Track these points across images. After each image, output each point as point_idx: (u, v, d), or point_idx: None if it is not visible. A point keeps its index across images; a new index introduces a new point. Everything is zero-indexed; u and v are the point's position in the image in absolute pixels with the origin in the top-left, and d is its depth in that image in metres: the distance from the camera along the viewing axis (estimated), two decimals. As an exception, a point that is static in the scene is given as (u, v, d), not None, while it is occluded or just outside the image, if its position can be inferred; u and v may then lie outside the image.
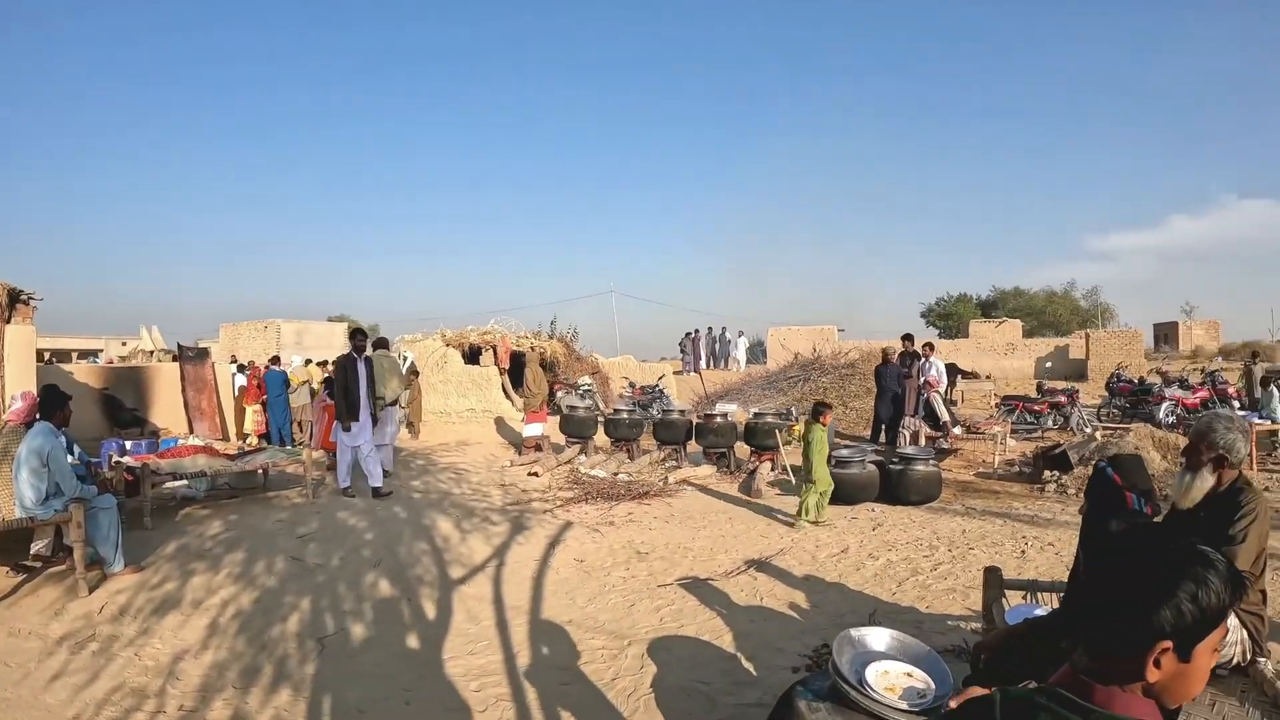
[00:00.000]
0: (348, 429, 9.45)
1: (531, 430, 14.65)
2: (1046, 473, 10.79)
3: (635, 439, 13.37)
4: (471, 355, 19.53)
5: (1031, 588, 4.11)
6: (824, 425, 8.63)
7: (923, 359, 13.87)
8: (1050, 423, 15.73)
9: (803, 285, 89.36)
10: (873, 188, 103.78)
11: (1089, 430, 15.01)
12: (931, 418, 12.43)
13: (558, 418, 14.07)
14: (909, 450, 9.83)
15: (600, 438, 13.76)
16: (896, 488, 9.28)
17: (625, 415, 13.44)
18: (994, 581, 3.95)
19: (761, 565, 6.85)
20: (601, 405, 19.51)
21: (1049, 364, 27.24)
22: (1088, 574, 1.38)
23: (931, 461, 9.48)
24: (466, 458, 13.20)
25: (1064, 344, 31.53)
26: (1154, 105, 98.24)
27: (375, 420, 9.78)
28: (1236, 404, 16.63)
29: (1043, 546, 7.25)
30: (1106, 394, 18.35)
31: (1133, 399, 17.29)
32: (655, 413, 15.45)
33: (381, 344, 10.90)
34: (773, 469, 11.66)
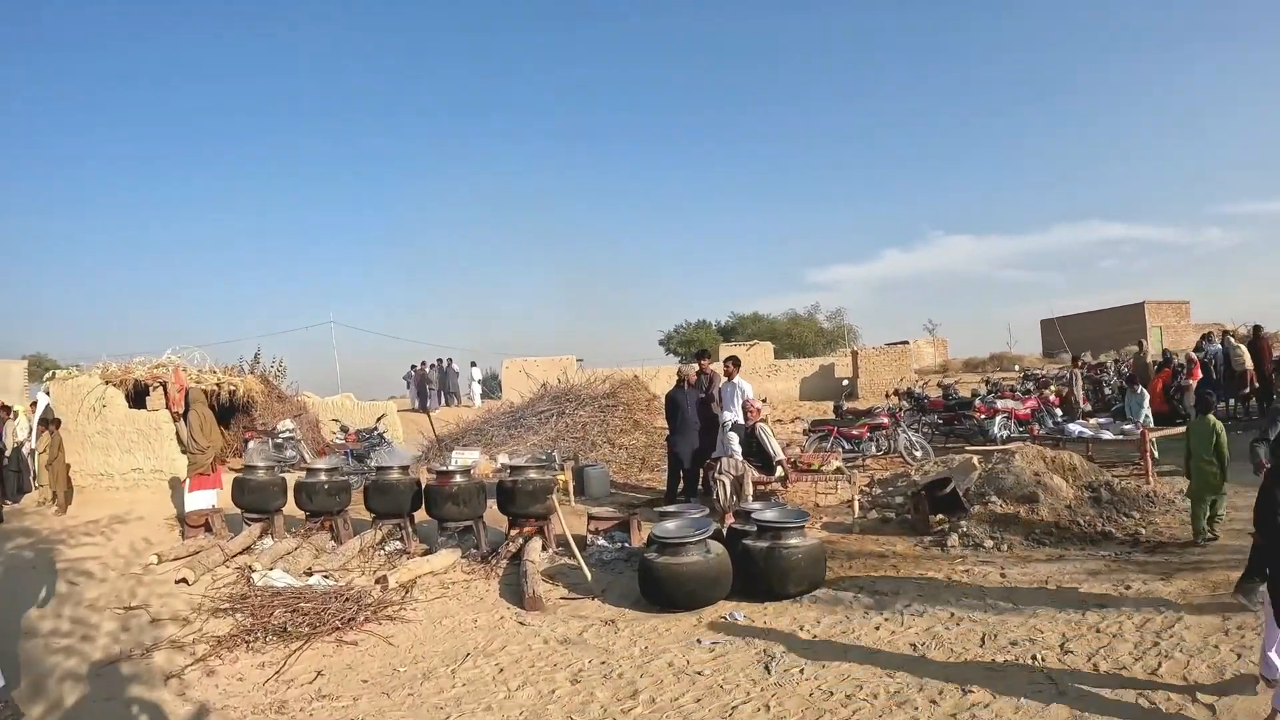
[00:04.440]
0: None
1: (197, 502, 10.36)
2: (934, 519, 8.14)
3: (342, 510, 9.43)
4: (139, 397, 14.60)
5: None
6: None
7: (725, 379, 10.95)
8: (874, 448, 13.36)
9: (532, 317, 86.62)
10: (598, 220, 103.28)
11: (919, 455, 12.75)
12: (760, 455, 9.46)
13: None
14: (766, 513, 6.64)
15: (293, 508, 9.65)
16: (764, 575, 6.12)
17: (324, 476, 9.44)
18: None
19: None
20: (308, 457, 15.27)
21: (845, 381, 25.67)
22: None
23: (803, 528, 6.39)
24: (105, 548, 8.83)
25: (828, 363, 30.50)
26: (864, 146, 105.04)
27: None
28: (1059, 412, 15.19)
29: (1064, 652, 4.38)
30: (903, 411, 16.17)
31: (948, 414, 15.39)
32: (371, 468, 11.56)
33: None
34: (544, 547, 8.21)
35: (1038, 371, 22.72)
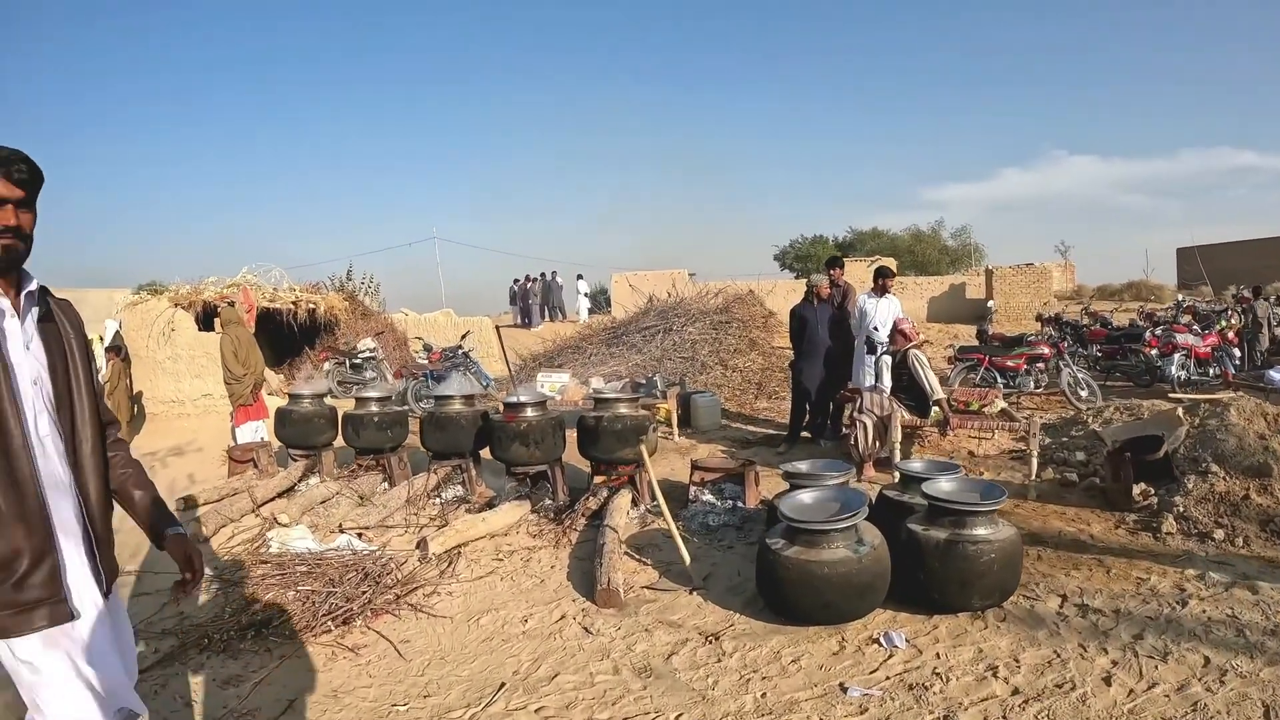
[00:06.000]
0: None
1: (245, 436, 9.07)
2: (1138, 489, 5.99)
3: (396, 446, 7.86)
4: (208, 319, 13.54)
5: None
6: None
7: (872, 295, 8.86)
8: (1033, 384, 11.09)
9: (644, 230, 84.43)
10: (712, 132, 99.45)
11: (1084, 394, 10.43)
12: (911, 391, 7.42)
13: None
14: (941, 484, 4.58)
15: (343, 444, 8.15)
16: (938, 579, 4.12)
17: (374, 407, 7.85)
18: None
19: None
20: (389, 378, 13.94)
21: (990, 304, 22.75)
22: None
23: (996, 512, 4.34)
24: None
25: (958, 282, 27.60)
26: (989, 61, 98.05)
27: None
28: (1237, 351, 12.58)
29: None
30: (1051, 338, 13.62)
31: (1109, 347, 12.86)
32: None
33: None
34: (635, 503, 6.43)
35: (1198, 303, 19.02)
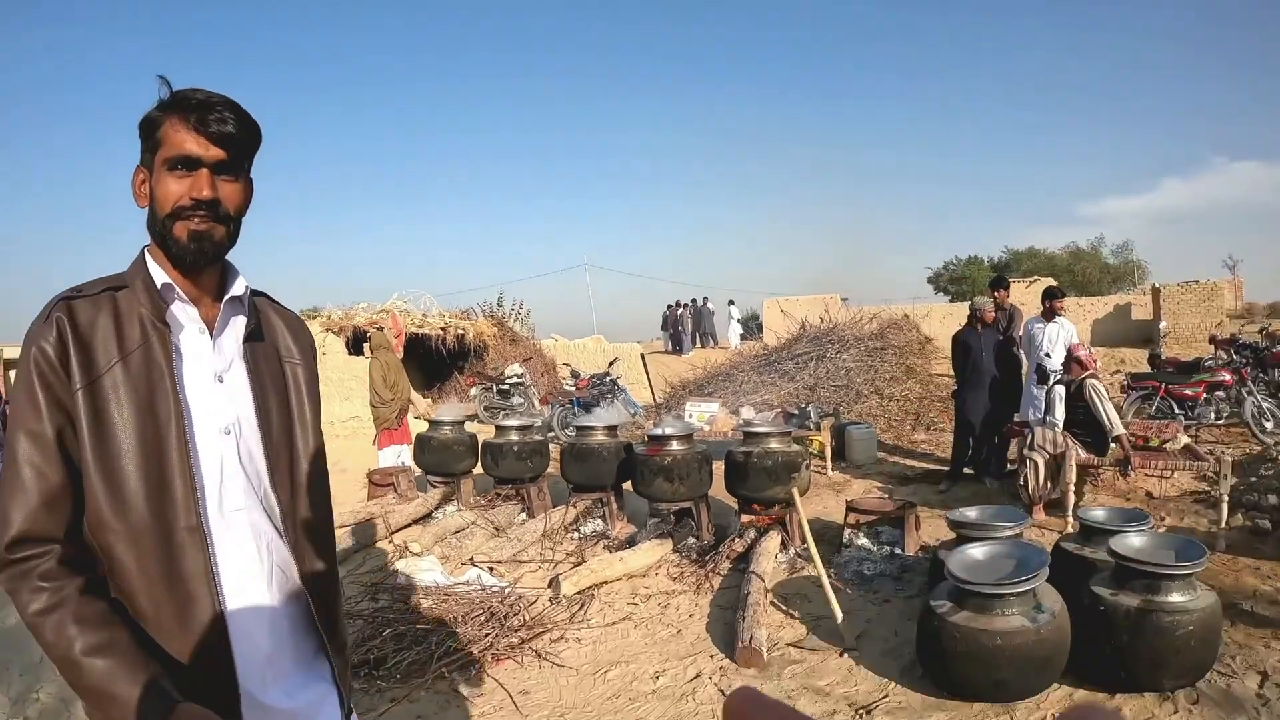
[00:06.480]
0: None
1: (386, 460, 9.04)
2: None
3: (536, 476, 7.59)
4: (357, 343, 13.89)
5: None
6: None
7: (1041, 319, 8.07)
8: (1213, 415, 9.88)
9: (794, 253, 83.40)
10: (859, 153, 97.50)
11: (1269, 426, 9.16)
12: (1087, 425, 6.59)
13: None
14: (1131, 540, 3.79)
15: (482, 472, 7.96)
16: (1127, 654, 3.40)
17: (514, 435, 7.60)
18: None
19: None
20: (535, 404, 13.86)
21: (1162, 325, 20.93)
22: None
23: (1194, 576, 3.60)
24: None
25: (1123, 302, 25.55)
26: (1140, 74, 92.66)
27: None
28: None
29: None
30: (1231, 363, 12.07)
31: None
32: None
33: None
34: (784, 545, 5.89)
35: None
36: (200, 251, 1.33)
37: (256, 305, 1.50)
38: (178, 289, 1.35)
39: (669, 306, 26.01)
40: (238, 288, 1.42)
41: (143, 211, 1.39)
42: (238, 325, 1.43)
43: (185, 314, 1.36)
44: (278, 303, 1.59)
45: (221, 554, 1.32)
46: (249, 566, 1.35)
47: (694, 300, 26.24)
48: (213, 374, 1.37)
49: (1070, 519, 6.01)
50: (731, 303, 26.78)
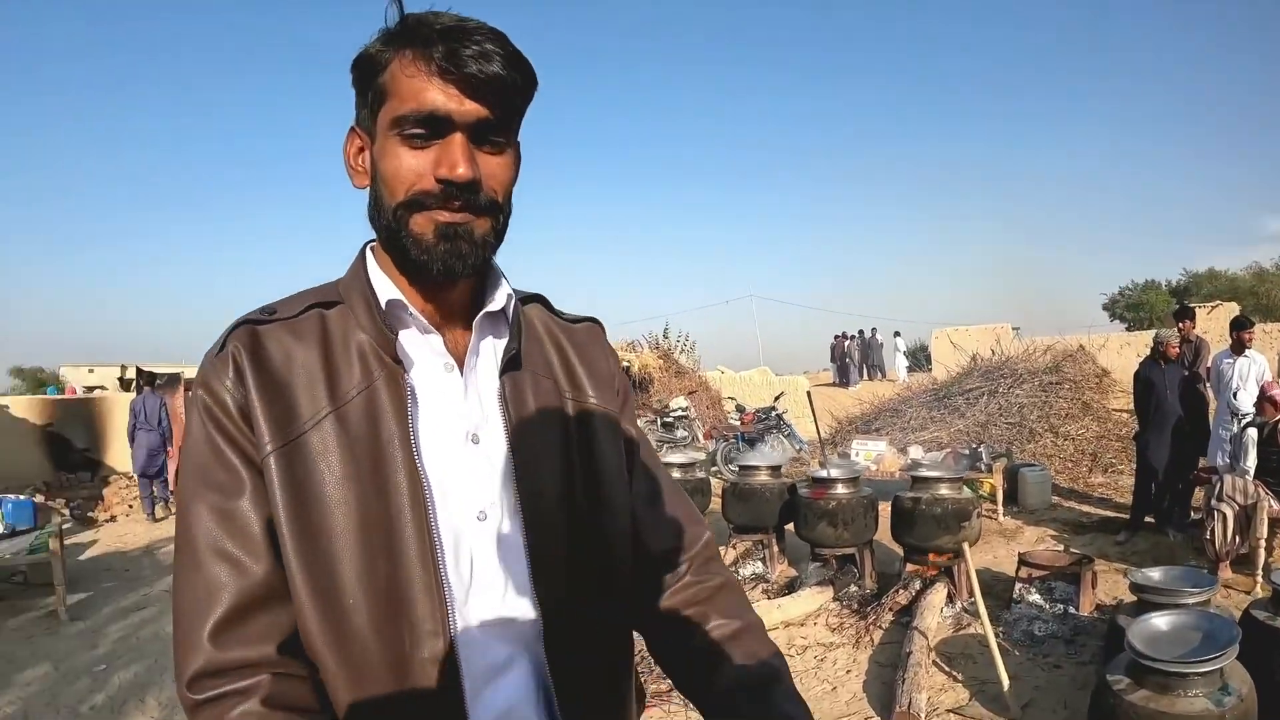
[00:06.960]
0: None
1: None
2: None
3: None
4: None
5: None
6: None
7: (1230, 353, 7.58)
8: None
9: (962, 280, 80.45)
10: (1027, 176, 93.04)
11: None
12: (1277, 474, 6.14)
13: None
14: None
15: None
16: None
17: (676, 472, 7.63)
18: None
19: None
20: (699, 437, 13.99)
21: None
22: None
23: None
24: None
25: (1322, 328, 23.40)
26: None
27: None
28: None
29: None
30: None
31: None
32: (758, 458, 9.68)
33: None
34: (951, 599, 5.75)
35: None
36: (454, 255, 0.90)
37: (525, 319, 1.06)
38: (412, 308, 0.95)
39: (835, 338, 25.70)
40: (499, 299, 1.00)
41: (362, 194, 0.97)
42: (497, 352, 1.01)
43: (426, 344, 0.97)
44: (560, 313, 1.13)
45: (471, 689, 0.91)
46: (514, 707, 0.95)
47: (861, 332, 25.83)
48: (464, 432, 0.95)
49: (1259, 579, 5.61)
50: (897, 334, 26.24)
